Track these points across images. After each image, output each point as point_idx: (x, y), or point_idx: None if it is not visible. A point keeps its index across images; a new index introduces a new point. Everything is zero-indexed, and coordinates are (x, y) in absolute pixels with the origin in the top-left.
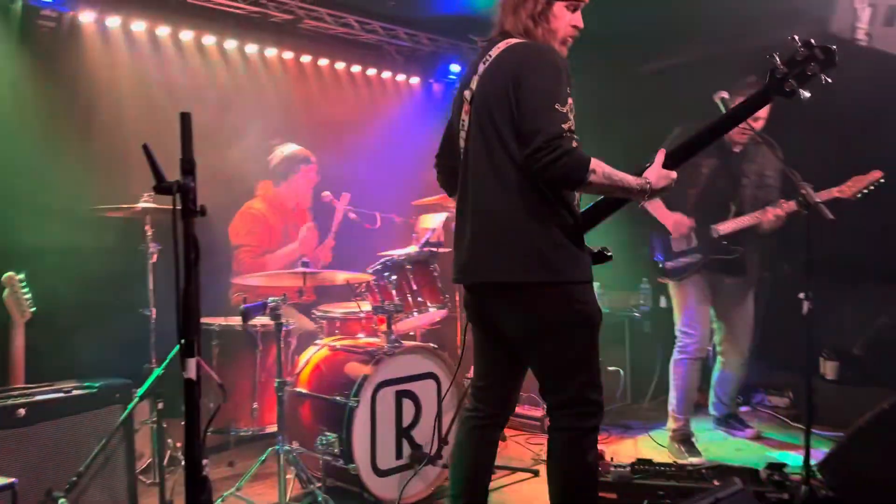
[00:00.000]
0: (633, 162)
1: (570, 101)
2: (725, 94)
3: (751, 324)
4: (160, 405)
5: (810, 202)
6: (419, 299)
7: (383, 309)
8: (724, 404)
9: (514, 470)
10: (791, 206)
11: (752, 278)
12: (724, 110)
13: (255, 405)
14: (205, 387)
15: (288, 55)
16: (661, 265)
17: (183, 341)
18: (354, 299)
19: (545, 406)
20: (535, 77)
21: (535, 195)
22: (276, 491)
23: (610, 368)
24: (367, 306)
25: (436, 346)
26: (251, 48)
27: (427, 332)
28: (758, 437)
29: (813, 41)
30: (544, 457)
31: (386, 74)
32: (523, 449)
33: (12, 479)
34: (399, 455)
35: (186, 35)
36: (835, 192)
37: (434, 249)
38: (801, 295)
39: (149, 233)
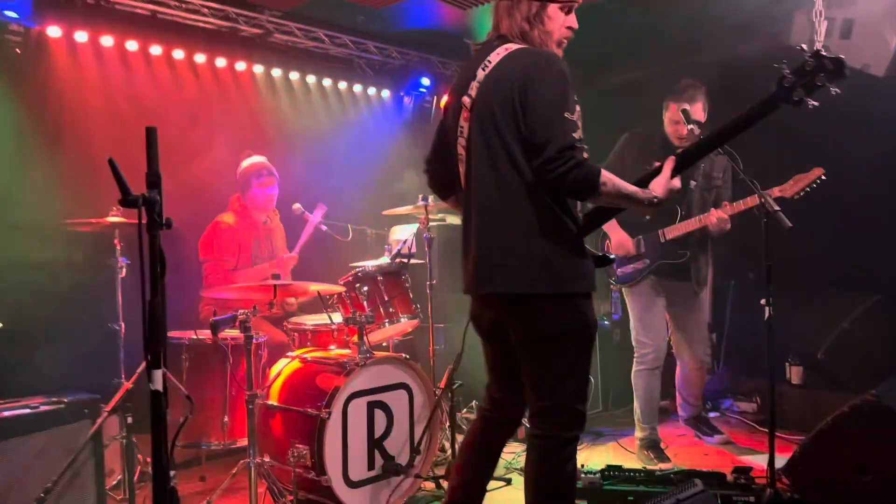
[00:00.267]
0: None
1: (577, 108)
2: (687, 106)
3: (705, 329)
4: (129, 420)
5: (770, 210)
6: (391, 310)
7: (354, 320)
8: (690, 405)
9: None
10: (738, 206)
11: (702, 283)
12: (686, 121)
13: (226, 419)
14: (175, 400)
15: (258, 69)
16: (615, 272)
17: (149, 353)
18: (326, 311)
19: (527, 412)
20: (543, 85)
21: (540, 204)
22: None
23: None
24: (338, 318)
25: (407, 356)
26: (221, 62)
27: (400, 342)
28: (726, 443)
29: (822, 51)
30: (517, 465)
31: (357, 87)
32: None
33: None
34: (371, 466)
35: (156, 49)
36: (776, 192)
37: (405, 261)
38: (763, 301)
39: (118, 247)
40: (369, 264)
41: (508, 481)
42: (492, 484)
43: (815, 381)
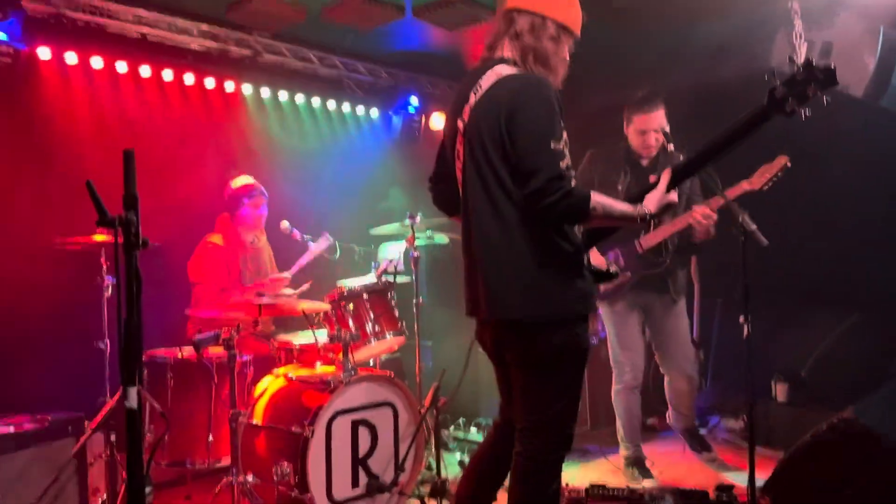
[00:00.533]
0: None
1: (564, 135)
2: (666, 126)
3: (688, 343)
4: (113, 438)
5: (747, 229)
6: (376, 327)
7: (339, 338)
8: (683, 415)
9: None
10: (718, 201)
11: (679, 291)
12: (666, 140)
13: (211, 437)
14: (160, 418)
15: (247, 89)
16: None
17: (124, 371)
18: (311, 328)
19: (516, 428)
20: (529, 113)
21: (534, 229)
22: None
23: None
24: (324, 335)
25: (392, 374)
26: (210, 82)
27: (387, 359)
28: (713, 460)
29: (813, 61)
30: None
31: (346, 107)
32: None
33: None
34: (355, 484)
35: (145, 70)
36: (744, 186)
37: (391, 279)
38: (741, 319)
39: (104, 266)
40: (355, 282)
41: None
42: None
43: (801, 399)
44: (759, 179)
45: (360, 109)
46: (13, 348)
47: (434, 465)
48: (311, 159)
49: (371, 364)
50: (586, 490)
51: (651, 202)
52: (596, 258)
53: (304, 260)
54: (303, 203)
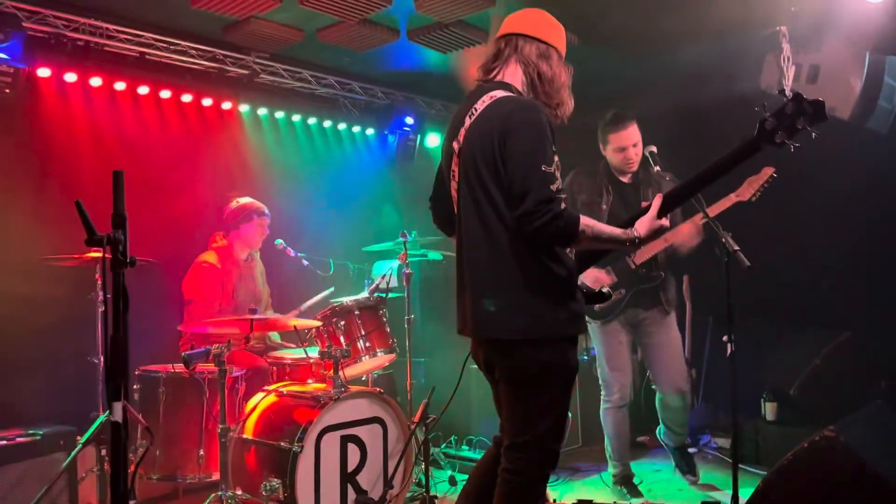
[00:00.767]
0: None
1: (555, 158)
2: (654, 148)
3: (680, 355)
4: (104, 452)
5: (730, 250)
6: (367, 344)
7: (330, 354)
8: (675, 433)
9: None
10: (701, 218)
11: (671, 305)
12: (652, 163)
13: (202, 452)
14: (151, 434)
15: (244, 108)
16: (591, 307)
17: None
18: (301, 344)
19: (503, 445)
20: (521, 136)
21: (525, 253)
22: None
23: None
24: (315, 352)
25: (382, 390)
26: (207, 101)
27: (379, 376)
28: (694, 483)
29: (802, 95)
30: None
31: (341, 126)
32: None
33: None
34: (344, 500)
35: (143, 89)
36: (733, 198)
37: (383, 295)
38: (725, 338)
39: (98, 282)
40: (347, 299)
41: None
42: None
43: (790, 418)
44: (748, 191)
45: (356, 128)
46: (7, 362)
47: (423, 482)
48: (307, 178)
49: (363, 380)
50: None
51: (642, 226)
52: (596, 275)
53: (305, 305)
54: (298, 221)
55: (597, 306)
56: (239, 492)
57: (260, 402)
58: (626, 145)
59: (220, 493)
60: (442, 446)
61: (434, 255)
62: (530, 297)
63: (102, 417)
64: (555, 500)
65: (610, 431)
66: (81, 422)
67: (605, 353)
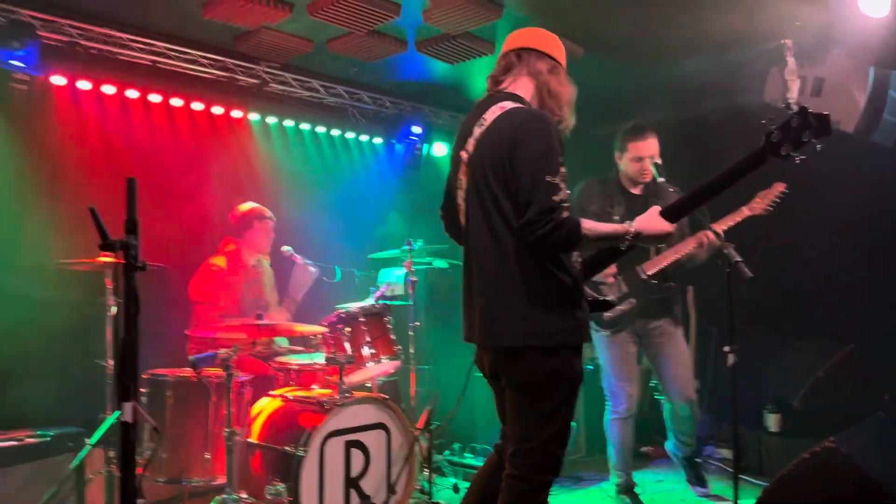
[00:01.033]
0: None
1: (562, 169)
2: (658, 159)
3: (688, 365)
4: (112, 453)
5: (732, 261)
6: (372, 351)
7: (335, 360)
8: (685, 444)
9: None
10: (708, 234)
11: (676, 316)
12: (657, 173)
13: (208, 455)
14: (159, 436)
15: (254, 117)
16: (599, 316)
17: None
18: (307, 350)
19: (508, 451)
20: (528, 148)
21: (532, 262)
22: None
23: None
24: (321, 358)
25: (387, 396)
26: (218, 110)
27: (384, 383)
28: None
29: (808, 108)
30: None
31: (349, 135)
32: None
33: None
34: None
35: (155, 98)
36: (745, 212)
37: (389, 303)
38: (726, 348)
39: (109, 286)
40: (353, 306)
41: None
42: None
43: (794, 429)
44: (759, 205)
45: (364, 137)
46: (19, 364)
47: (427, 489)
48: (315, 186)
49: (368, 387)
50: None
51: (639, 221)
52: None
53: (299, 294)
54: (306, 228)
55: (605, 315)
56: (244, 495)
57: (265, 406)
58: (644, 156)
59: (225, 496)
60: (445, 453)
61: (439, 263)
62: (537, 305)
63: (111, 419)
64: None
65: (615, 442)
66: (89, 424)
67: (614, 363)
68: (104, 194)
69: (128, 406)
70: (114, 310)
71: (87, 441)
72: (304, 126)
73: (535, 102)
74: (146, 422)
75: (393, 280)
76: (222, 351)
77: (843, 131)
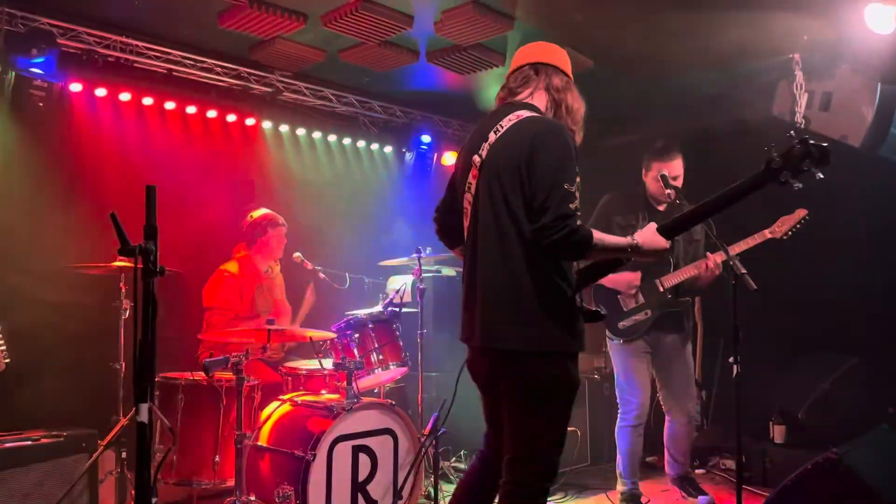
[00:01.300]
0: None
1: (577, 179)
2: (666, 171)
3: (692, 381)
4: (124, 454)
5: (737, 273)
6: (380, 357)
7: (343, 366)
8: (678, 463)
9: None
10: (722, 256)
11: (688, 333)
12: (665, 185)
13: (217, 458)
14: (175, 438)
15: (267, 125)
16: (615, 325)
17: (137, 387)
18: (317, 356)
19: (505, 458)
20: (548, 154)
21: (538, 268)
22: None
23: (568, 429)
24: (329, 363)
25: (394, 402)
26: (232, 118)
27: (391, 389)
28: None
29: (810, 139)
30: None
31: (360, 143)
32: None
33: None
34: None
35: (170, 105)
36: (766, 234)
37: (397, 309)
38: (731, 359)
39: (123, 290)
40: (361, 312)
41: None
42: None
43: (799, 441)
44: (780, 229)
45: (375, 146)
46: (34, 366)
47: (433, 494)
48: (326, 193)
49: (375, 393)
50: None
51: (641, 235)
52: (621, 275)
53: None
54: (316, 234)
55: (620, 324)
56: (253, 498)
57: (275, 410)
58: (668, 177)
59: (234, 499)
60: (452, 460)
61: (447, 271)
62: (540, 311)
63: (123, 421)
64: None
65: (623, 450)
66: (102, 425)
67: (626, 371)
68: (119, 200)
69: (144, 407)
70: (127, 314)
71: (100, 442)
72: (316, 134)
73: (548, 115)
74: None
75: (401, 286)
76: (234, 355)
77: (850, 145)
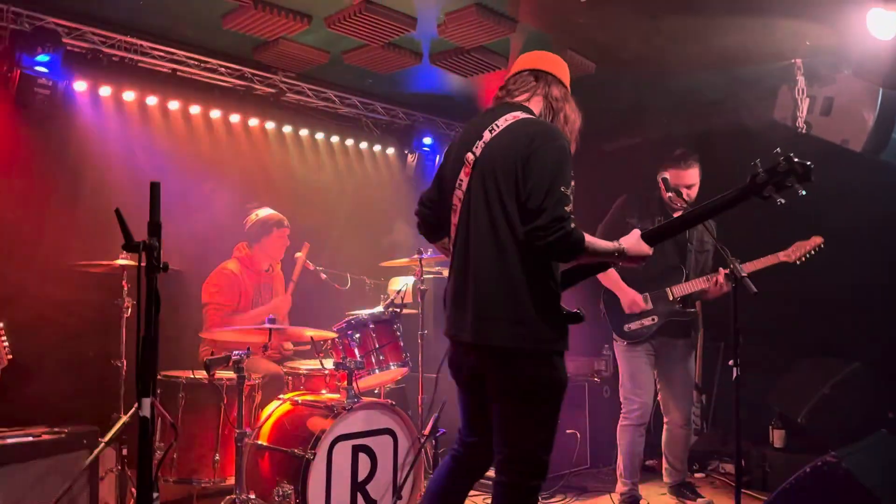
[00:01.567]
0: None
1: (572, 182)
2: (667, 175)
3: (691, 385)
4: (125, 451)
5: (737, 276)
6: (381, 357)
7: (344, 366)
8: (676, 470)
9: None
10: (719, 277)
11: (693, 341)
12: (665, 189)
13: (217, 457)
14: (177, 434)
15: (270, 125)
16: (621, 327)
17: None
18: (317, 356)
19: (496, 458)
20: (544, 156)
21: (529, 267)
22: None
23: (567, 431)
24: (330, 363)
25: (394, 402)
26: (235, 118)
27: (392, 389)
28: None
29: (793, 157)
30: None
31: (363, 145)
32: None
33: None
34: None
35: (174, 104)
36: (781, 257)
37: (398, 310)
38: (731, 362)
39: (125, 288)
40: (363, 312)
41: None
42: None
43: (798, 445)
44: (794, 253)
45: (377, 147)
46: (36, 363)
47: None
48: (329, 194)
49: (376, 393)
50: None
51: (626, 241)
52: (628, 295)
53: (295, 274)
54: (318, 235)
55: (628, 327)
56: (252, 496)
57: (275, 409)
58: (681, 185)
59: (234, 497)
60: None
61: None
62: (531, 309)
63: (124, 418)
64: None
65: (624, 449)
66: (103, 422)
67: (630, 371)
68: (122, 198)
69: (146, 401)
70: (129, 312)
71: (101, 439)
72: (319, 135)
73: (550, 120)
74: (164, 418)
75: (404, 288)
76: (235, 353)
77: (851, 150)
